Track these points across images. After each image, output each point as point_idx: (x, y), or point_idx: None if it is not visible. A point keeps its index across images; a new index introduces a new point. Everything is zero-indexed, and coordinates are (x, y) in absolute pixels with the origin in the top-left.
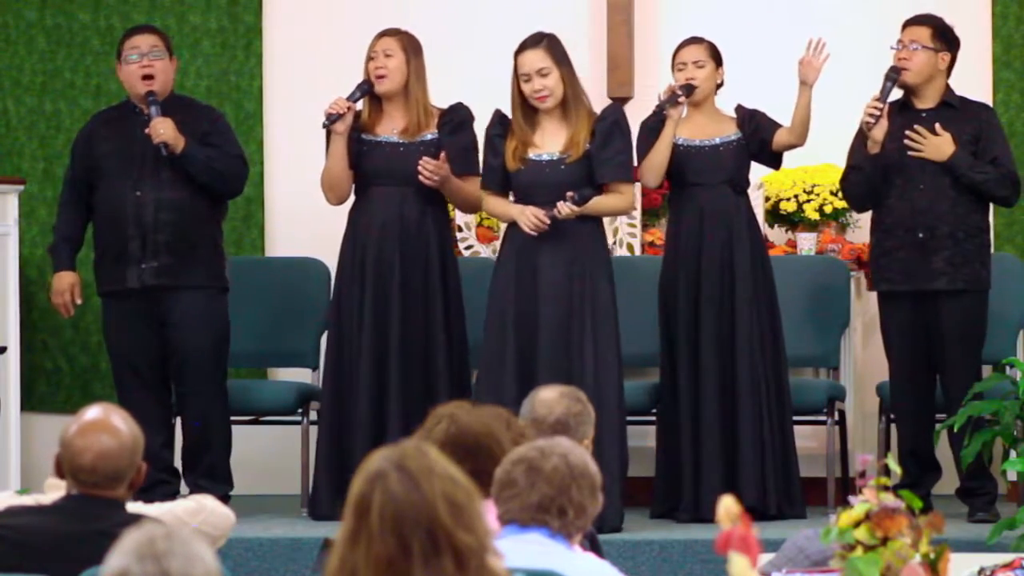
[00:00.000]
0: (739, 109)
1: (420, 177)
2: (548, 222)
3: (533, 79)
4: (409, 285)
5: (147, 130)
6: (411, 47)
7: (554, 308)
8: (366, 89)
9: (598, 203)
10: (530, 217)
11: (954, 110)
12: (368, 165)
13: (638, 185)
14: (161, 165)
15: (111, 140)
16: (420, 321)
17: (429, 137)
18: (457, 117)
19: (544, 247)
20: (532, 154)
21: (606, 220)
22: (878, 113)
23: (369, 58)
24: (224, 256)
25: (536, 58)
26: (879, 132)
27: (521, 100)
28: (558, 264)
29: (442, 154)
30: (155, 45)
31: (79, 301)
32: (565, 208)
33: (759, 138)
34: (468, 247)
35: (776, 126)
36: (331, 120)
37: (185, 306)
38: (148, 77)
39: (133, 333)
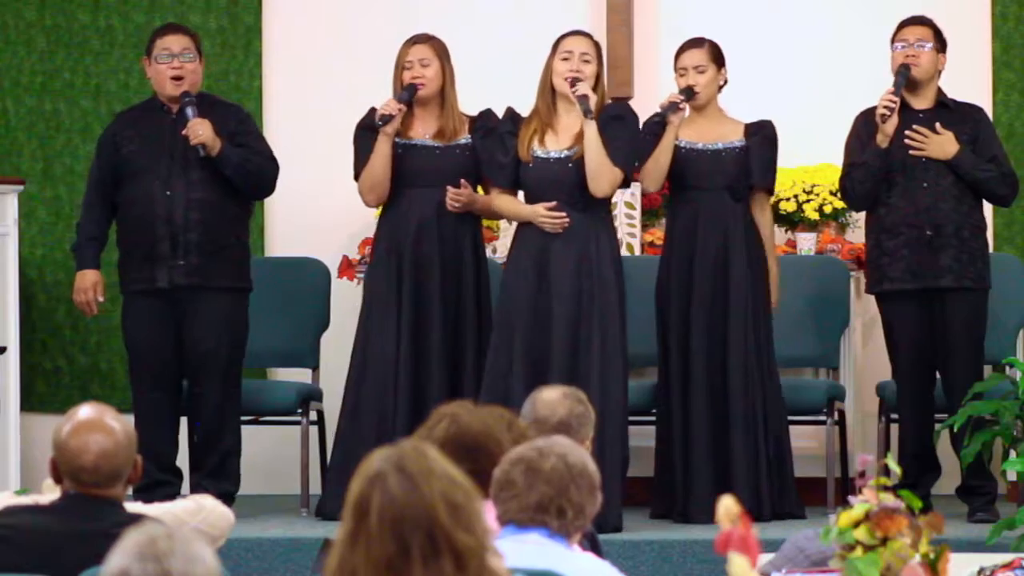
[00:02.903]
0: (748, 128)
1: (448, 206)
2: (565, 216)
3: (574, 58)
4: (446, 286)
5: (184, 131)
6: (444, 52)
7: (566, 306)
8: (413, 91)
9: (599, 139)
10: (549, 217)
11: (949, 110)
12: (405, 168)
13: (635, 188)
14: (191, 164)
15: (138, 139)
16: (455, 322)
17: (463, 141)
18: (488, 124)
19: (555, 245)
20: (541, 151)
21: None
22: (894, 106)
23: (403, 67)
24: (249, 257)
25: (584, 44)
26: (891, 126)
27: (551, 87)
28: (569, 261)
29: (462, 180)
30: (186, 48)
31: (101, 299)
32: (581, 87)
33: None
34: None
35: (765, 181)
36: (385, 121)
37: (208, 306)
38: (177, 79)
39: (153, 331)
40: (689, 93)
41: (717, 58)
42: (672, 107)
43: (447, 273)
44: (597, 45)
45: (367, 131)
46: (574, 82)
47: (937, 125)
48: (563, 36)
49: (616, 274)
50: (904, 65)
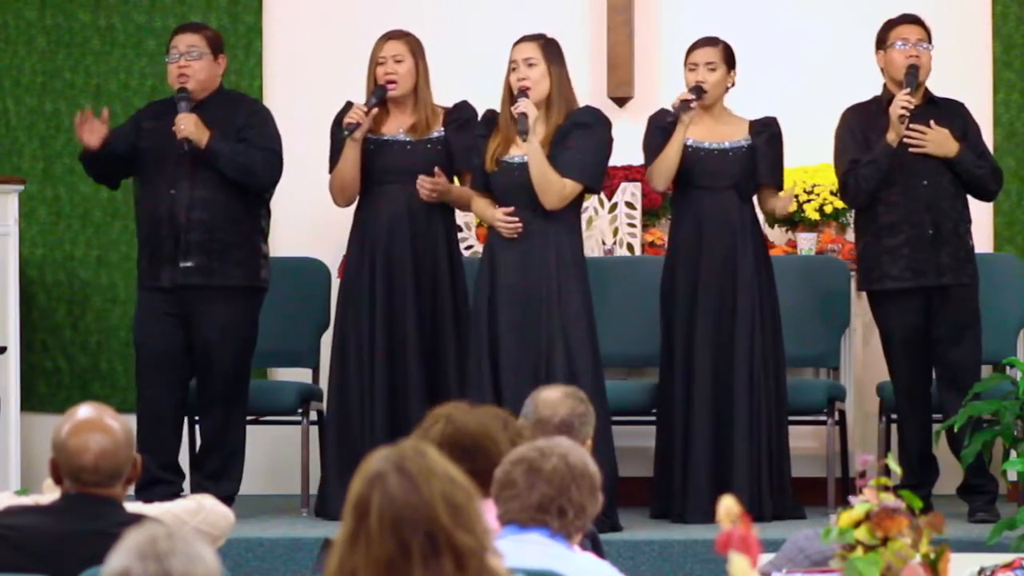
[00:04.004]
0: (753, 126)
1: (421, 195)
2: (519, 220)
3: (520, 67)
4: (421, 282)
5: (173, 127)
6: (418, 49)
7: (511, 311)
8: (381, 95)
9: (541, 154)
10: (504, 222)
11: (938, 107)
12: (376, 164)
13: (635, 187)
14: (198, 162)
15: (152, 136)
16: (431, 317)
17: (436, 135)
18: (463, 115)
19: (509, 250)
20: (507, 156)
21: (606, 220)
22: (911, 106)
23: (377, 63)
24: (263, 256)
25: (527, 49)
26: (903, 126)
27: (510, 95)
28: (519, 267)
29: (436, 168)
30: (193, 45)
31: (104, 119)
32: (522, 105)
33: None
34: (468, 247)
35: (774, 179)
36: (351, 130)
37: (214, 306)
38: (183, 76)
39: (158, 329)
40: (699, 91)
41: (728, 59)
42: (683, 106)
43: (421, 269)
44: (547, 45)
45: (342, 126)
46: (515, 98)
47: (931, 123)
48: (513, 45)
49: (579, 278)
50: (913, 65)
